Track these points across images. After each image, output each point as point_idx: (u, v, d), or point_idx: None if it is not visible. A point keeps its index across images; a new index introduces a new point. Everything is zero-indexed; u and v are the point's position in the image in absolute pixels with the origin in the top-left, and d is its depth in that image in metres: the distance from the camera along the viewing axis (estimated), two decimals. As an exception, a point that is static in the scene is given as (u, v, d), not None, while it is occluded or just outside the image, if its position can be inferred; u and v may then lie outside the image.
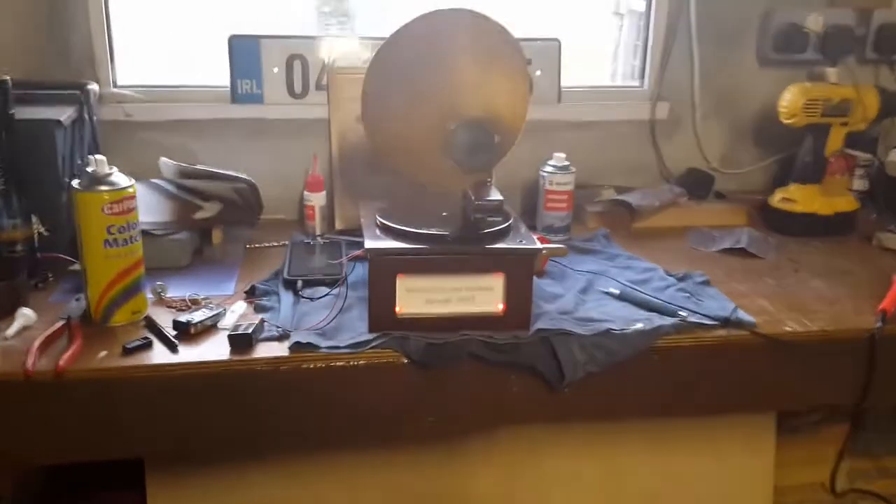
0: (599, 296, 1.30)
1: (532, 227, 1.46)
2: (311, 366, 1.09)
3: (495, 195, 1.24)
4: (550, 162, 1.57)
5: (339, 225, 1.62)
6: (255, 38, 1.64)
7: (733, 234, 1.60)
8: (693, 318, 1.20)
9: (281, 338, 1.12)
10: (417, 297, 1.14)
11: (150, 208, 1.44)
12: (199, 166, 1.47)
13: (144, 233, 1.31)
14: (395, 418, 1.14)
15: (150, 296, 1.24)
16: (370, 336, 1.12)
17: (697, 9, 1.75)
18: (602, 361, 1.14)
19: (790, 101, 1.63)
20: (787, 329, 1.20)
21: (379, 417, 1.13)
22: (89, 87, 1.49)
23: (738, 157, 1.89)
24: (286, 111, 1.66)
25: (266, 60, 1.64)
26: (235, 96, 1.65)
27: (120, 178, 1.14)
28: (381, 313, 1.13)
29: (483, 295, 1.15)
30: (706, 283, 1.36)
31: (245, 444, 1.12)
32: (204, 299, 1.24)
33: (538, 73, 1.73)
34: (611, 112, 1.79)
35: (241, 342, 1.10)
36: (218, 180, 1.45)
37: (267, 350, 1.10)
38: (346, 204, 1.62)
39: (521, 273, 1.14)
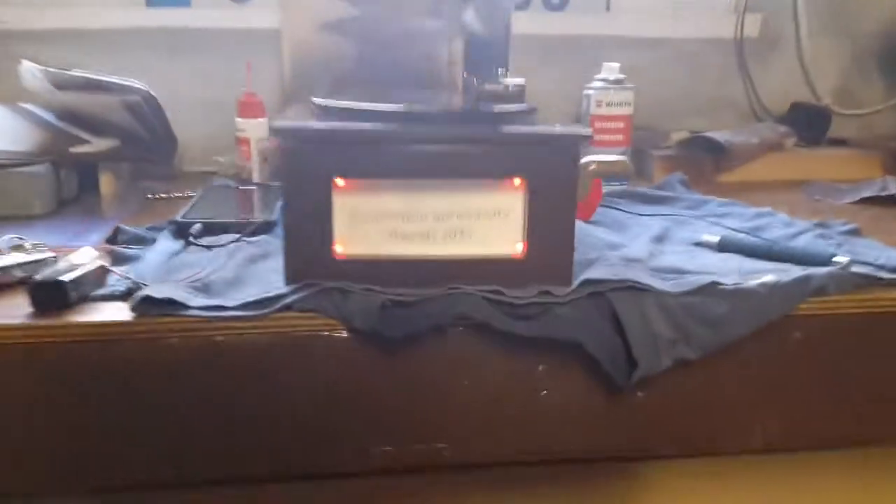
0: (687, 248, 0.82)
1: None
2: (172, 340, 0.61)
3: (513, 80, 0.78)
4: (599, 76, 1.10)
5: (290, 171, 1.15)
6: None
7: (872, 183, 1.11)
8: (859, 269, 0.71)
9: (129, 294, 0.65)
10: (373, 226, 0.66)
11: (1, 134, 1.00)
12: (75, 71, 1.01)
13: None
14: (326, 443, 0.65)
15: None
16: (285, 289, 0.64)
17: None
18: (705, 340, 0.65)
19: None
20: None
21: (295, 441, 0.65)
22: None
23: (858, 90, 1.40)
24: (221, 18, 1.22)
25: (195, -51, 1.21)
26: (151, -2, 1.21)
27: None
28: (307, 254, 0.66)
29: (489, 224, 0.67)
30: (855, 232, 0.86)
31: (63, 468, 0.64)
32: (34, 245, 0.77)
33: (578, -30, 1.27)
34: (681, 27, 1.33)
35: (48, 296, 0.63)
36: (100, 91, 1.00)
37: (100, 312, 0.63)
38: (302, 143, 1.15)
39: (558, 180, 0.66)
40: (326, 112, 0.69)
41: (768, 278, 0.68)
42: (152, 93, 1.00)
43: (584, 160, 0.71)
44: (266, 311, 0.63)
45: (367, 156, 0.64)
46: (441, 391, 0.65)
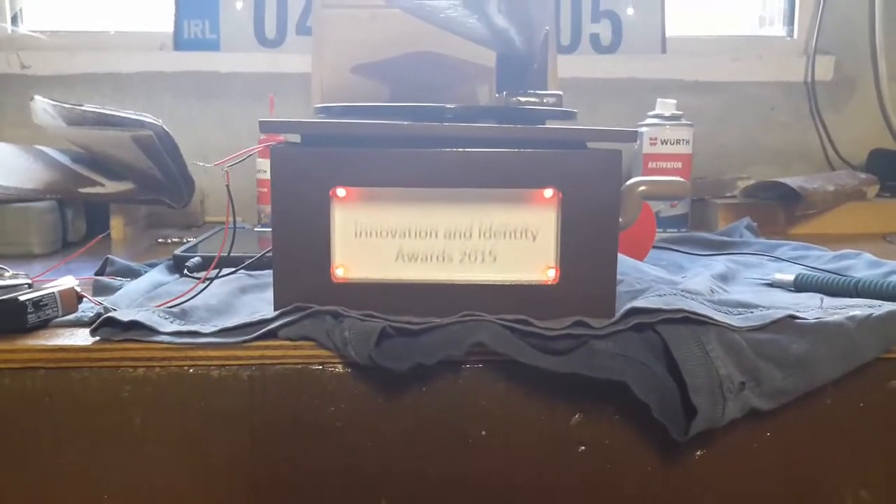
0: (756, 287, 0.71)
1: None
2: (138, 370, 0.53)
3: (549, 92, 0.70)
4: (653, 112, 1.02)
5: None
6: (212, -39, 1.19)
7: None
8: (970, 305, 0.59)
9: (98, 321, 0.57)
10: (378, 245, 0.57)
11: (5, 169, 0.95)
12: (87, 107, 0.97)
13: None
14: (311, 502, 0.55)
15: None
16: (271, 315, 0.56)
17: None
18: (780, 385, 0.54)
19: None
20: None
21: (275, 495, 0.55)
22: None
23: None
24: (251, 62, 1.19)
25: (226, -8, 1.19)
26: (179, 41, 1.18)
27: None
28: (301, 278, 0.57)
29: (515, 245, 0.58)
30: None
31: None
32: (14, 274, 0.71)
33: (630, 10, 1.21)
34: (744, 70, 1.24)
35: (3, 316, 0.55)
36: (112, 126, 0.95)
37: (61, 338, 0.55)
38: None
39: (598, 192, 0.57)
40: (327, 114, 0.62)
41: (857, 312, 0.56)
42: (166, 128, 0.95)
43: (631, 181, 0.61)
44: (245, 338, 0.54)
45: (374, 160, 0.56)
46: (454, 443, 0.55)
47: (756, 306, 0.59)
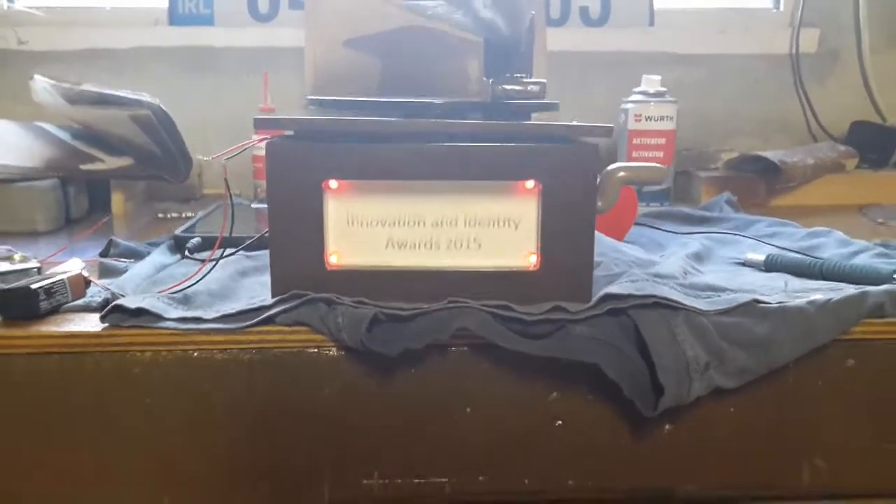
0: (729, 267, 0.75)
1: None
2: (145, 354, 0.57)
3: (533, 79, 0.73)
4: (638, 88, 1.04)
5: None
6: (205, -66, 1.20)
7: (944, 205, 1.02)
8: (925, 288, 0.63)
9: (106, 305, 0.61)
10: (369, 234, 0.61)
11: (7, 147, 0.98)
12: (86, 86, 1.00)
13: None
14: (310, 473, 0.60)
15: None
16: (268, 301, 0.60)
17: None
18: (743, 365, 0.58)
19: None
20: None
21: (275, 470, 0.59)
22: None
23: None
24: (245, 36, 1.20)
25: (220, -34, 1.20)
26: (174, 16, 1.20)
27: None
28: (296, 266, 0.61)
29: (499, 233, 0.61)
30: (923, 253, 0.78)
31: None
32: (23, 257, 0.75)
33: (618, -18, 1.23)
34: (730, 42, 1.26)
35: (17, 304, 0.59)
36: (111, 106, 0.98)
37: (72, 323, 0.58)
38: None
39: (576, 184, 0.60)
40: (319, 107, 0.65)
41: (817, 296, 0.60)
42: (163, 107, 0.98)
43: (611, 167, 0.65)
44: (245, 324, 0.58)
45: (364, 154, 0.59)
46: (441, 419, 0.59)
47: (724, 290, 0.63)
